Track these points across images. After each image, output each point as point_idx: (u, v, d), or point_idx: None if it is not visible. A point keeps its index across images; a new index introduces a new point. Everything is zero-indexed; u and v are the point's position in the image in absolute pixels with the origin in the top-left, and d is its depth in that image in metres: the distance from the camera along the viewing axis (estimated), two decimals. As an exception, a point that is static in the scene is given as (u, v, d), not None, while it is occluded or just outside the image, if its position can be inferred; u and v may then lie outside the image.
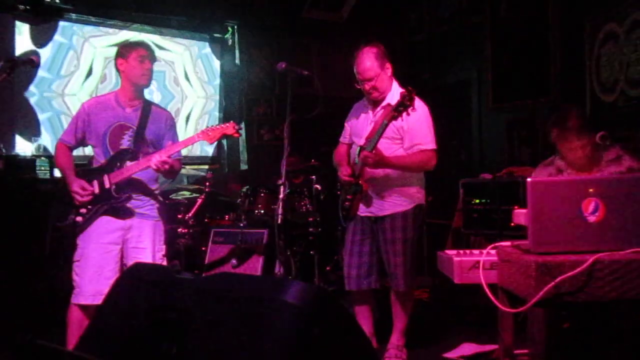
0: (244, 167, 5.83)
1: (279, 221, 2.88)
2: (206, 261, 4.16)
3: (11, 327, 3.71)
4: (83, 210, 2.84)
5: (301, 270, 4.32)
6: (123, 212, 2.89)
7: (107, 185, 2.85)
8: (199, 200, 4.38)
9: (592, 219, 1.84)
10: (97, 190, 2.85)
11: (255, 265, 3.96)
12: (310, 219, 4.29)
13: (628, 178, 2.19)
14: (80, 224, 2.84)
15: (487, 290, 2.01)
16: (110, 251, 2.87)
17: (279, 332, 1.47)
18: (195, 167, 5.41)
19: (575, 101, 4.23)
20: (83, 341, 1.91)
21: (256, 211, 4.25)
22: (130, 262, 2.88)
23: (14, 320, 3.82)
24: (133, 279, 2.00)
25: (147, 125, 2.95)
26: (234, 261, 4.00)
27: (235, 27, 5.80)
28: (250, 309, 1.57)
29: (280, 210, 2.88)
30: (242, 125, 2.83)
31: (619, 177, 2.44)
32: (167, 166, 2.81)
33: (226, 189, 4.93)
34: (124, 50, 2.94)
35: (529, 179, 1.88)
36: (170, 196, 4.58)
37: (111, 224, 2.88)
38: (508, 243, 2.10)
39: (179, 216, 4.33)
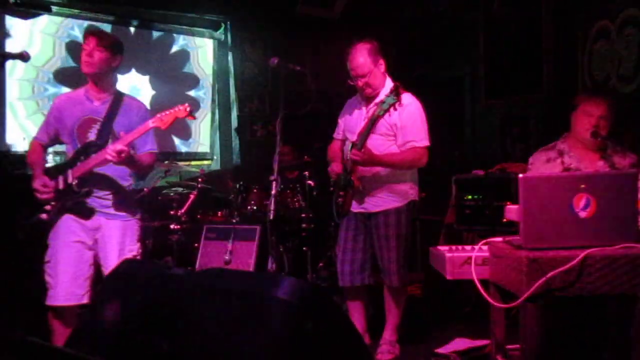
0: (236, 163, 5.82)
1: (272, 217, 2.88)
2: (199, 257, 4.15)
3: (5, 326, 3.69)
4: (48, 207, 2.75)
5: (294, 267, 4.32)
6: (84, 211, 2.76)
7: (69, 180, 2.73)
8: (192, 197, 4.37)
9: (583, 214, 1.85)
10: (61, 186, 2.74)
11: (247, 262, 3.95)
12: (303, 215, 4.29)
13: (618, 174, 2.21)
14: (46, 221, 2.74)
15: (479, 286, 2.01)
16: (80, 250, 2.78)
17: (271, 328, 1.47)
18: (188, 163, 5.39)
19: (568, 98, 4.25)
20: (75, 337, 1.90)
21: (249, 207, 4.24)
22: (104, 263, 2.79)
23: (9, 319, 3.80)
24: (125, 275, 2.00)
25: (116, 118, 2.83)
26: (226, 257, 4.00)
27: (228, 22, 5.78)
28: (242, 305, 1.57)
29: (272, 206, 2.88)
30: (188, 105, 2.70)
31: (610, 173, 2.45)
32: (123, 155, 2.63)
33: (222, 184, 4.91)
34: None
35: (520, 175, 1.88)
36: (162, 192, 4.57)
37: (77, 223, 2.78)
38: (500, 239, 2.11)
39: (172, 212, 4.31)
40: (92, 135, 2.80)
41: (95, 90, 2.86)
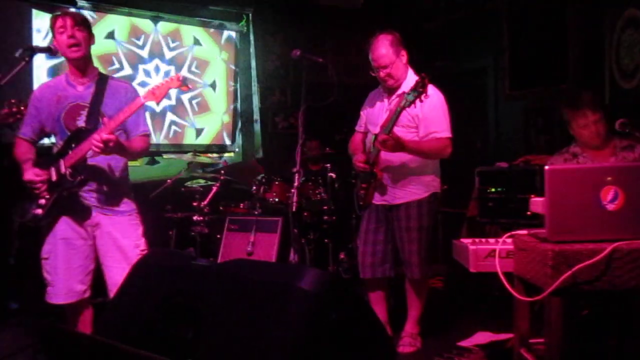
0: (259, 155, 5.85)
1: (294, 209, 2.89)
2: (221, 248, 4.19)
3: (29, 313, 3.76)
4: (42, 202, 2.59)
5: (315, 259, 4.33)
6: (80, 211, 2.64)
7: (62, 170, 2.57)
8: (214, 188, 4.41)
9: (610, 207, 1.81)
10: (54, 178, 2.58)
11: (269, 253, 3.97)
12: (325, 207, 4.29)
13: (648, 166, 2.15)
14: (41, 216, 2.59)
15: (503, 278, 1.99)
16: (79, 247, 2.67)
17: (294, 318, 1.48)
18: (210, 155, 5.44)
19: (594, 88, 4.16)
20: (101, 325, 1.94)
21: (271, 199, 4.26)
22: (103, 261, 2.69)
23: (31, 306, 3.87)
24: (150, 265, 2.03)
25: (104, 100, 2.65)
26: (248, 249, 4.02)
27: (250, 14, 5.78)
28: (266, 295, 1.58)
29: (295, 198, 2.89)
30: (180, 75, 2.53)
31: (639, 164, 2.40)
32: (111, 144, 2.45)
33: (244, 176, 4.94)
34: (50, 26, 2.59)
35: (546, 167, 1.85)
36: (185, 184, 4.61)
37: (75, 221, 2.66)
38: (524, 231, 2.08)
39: (194, 204, 4.36)
40: (80, 122, 2.63)
41: (77, 75, 2.68)
